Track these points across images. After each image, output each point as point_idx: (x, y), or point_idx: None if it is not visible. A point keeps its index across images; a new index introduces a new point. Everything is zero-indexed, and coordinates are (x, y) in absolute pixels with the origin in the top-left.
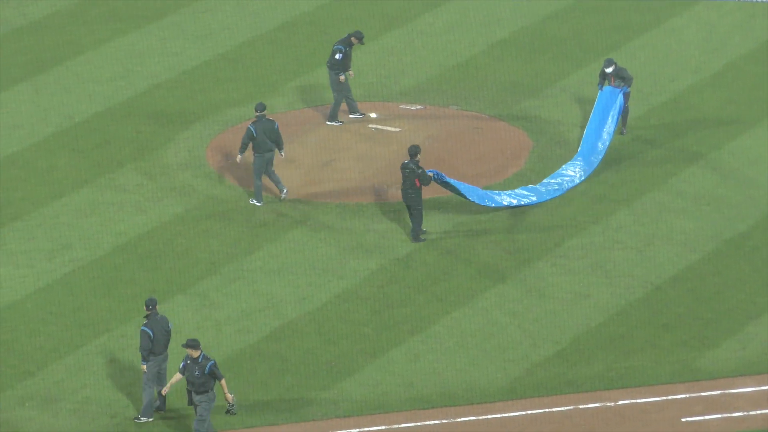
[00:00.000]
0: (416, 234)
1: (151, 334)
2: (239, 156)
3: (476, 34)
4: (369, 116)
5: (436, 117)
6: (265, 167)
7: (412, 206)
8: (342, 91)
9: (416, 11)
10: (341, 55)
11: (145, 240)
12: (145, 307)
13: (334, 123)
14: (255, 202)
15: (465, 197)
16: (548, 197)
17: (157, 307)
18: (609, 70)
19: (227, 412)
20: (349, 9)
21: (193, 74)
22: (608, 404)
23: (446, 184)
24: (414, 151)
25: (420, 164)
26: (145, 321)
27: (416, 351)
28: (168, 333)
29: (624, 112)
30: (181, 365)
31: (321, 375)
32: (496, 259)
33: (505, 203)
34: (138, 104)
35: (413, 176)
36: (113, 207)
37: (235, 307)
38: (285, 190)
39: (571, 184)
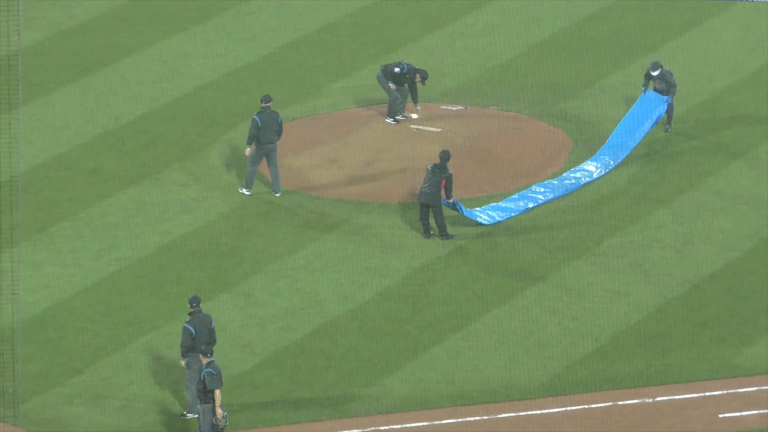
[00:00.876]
0: (444, 231)
1: (192, 331)
2: (248, 149)
3: (516, 35)
4: (410, 117)
5: (476, 117)
6: (262, 157)
7: (434, 206)
8: (392, 93)
9: (457, 13)
10: (399, 70)
11: (191, 239)
12: (188, 305)
13: (390, 120)
14: (244, 191)
15: (479, 222)
16: (563, 192)
17: (202, 305)
18: (655, 73)
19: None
20: (391, 10)
21: (238, 76)
22: (647, 401)
23: (456, 210)
24: (446, 156)
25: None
26: (188, 318)
27: (457, 348)
28: (210, 331)
29: (669, 109)
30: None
31: (364, 372)
32: (535, 257)
33: (514, 214)
34: (183, 105)
35: (442, 176)
36: (159, 207)
37: (279, 305)
38: (278, 193)
39: (588, 179)
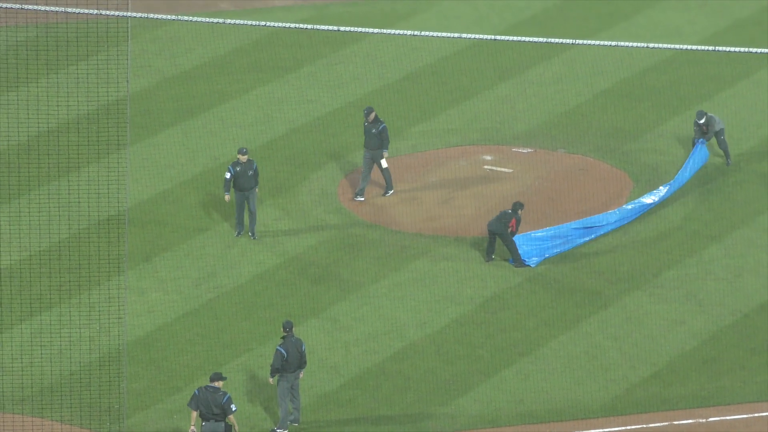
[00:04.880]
0: (518, 260)
1: (284, 353)
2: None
3: (582, 84)
4: (485, 158)
5: (545, 159)
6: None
7: (504, 236)
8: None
9: (528, 63)
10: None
11: (282, 269)
12: (282, 329)
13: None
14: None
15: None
16: (627, 216)
17: (293, 329)
18: (701, 121)
19: None
20: (468, 61)
21: (326, 120)
22: (700, 420)
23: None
24: (518, 207)
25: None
26: (281, 341)
27: (526, 371)
28: (301, 354)
29: (723, 146)
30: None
31: (440, 392)
32: (599, 288)
33: (580, 241)
34: (276, 147)
35: (512, 217)
36: (253, 239)
37: (362, 330)
38: (251, 234)
39: (645, 209)
